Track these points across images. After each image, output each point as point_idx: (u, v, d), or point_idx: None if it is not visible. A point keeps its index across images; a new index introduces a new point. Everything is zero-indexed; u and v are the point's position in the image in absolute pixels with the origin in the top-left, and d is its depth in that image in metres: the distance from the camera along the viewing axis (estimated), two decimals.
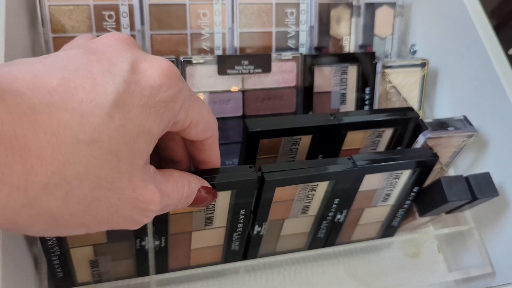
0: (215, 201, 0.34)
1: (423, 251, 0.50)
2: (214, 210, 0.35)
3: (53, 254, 0.34)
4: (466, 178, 0.39)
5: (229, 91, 0.44)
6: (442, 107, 0.51)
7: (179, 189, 0.25)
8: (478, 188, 0.39)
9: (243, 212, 0.36)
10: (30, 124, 0.18)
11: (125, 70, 0.21)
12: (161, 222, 0.34)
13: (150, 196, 0.22)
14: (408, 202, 0.42)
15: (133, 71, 0.21)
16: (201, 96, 0.43)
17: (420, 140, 0.40)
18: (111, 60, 0.21)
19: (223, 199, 0.34)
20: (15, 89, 0.18)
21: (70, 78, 0.19)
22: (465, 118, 0.42)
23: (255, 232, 0.38)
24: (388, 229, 0.45)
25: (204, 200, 0.29)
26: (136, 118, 0.20)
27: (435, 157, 0.38)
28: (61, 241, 0.33)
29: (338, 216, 0.41)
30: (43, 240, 0.33)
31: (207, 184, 0.29)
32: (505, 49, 0.45)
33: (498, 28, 0.50)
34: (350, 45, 0.51)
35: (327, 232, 0.42)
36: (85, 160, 0.19)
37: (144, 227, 0.35)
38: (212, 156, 0.29)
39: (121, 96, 0.20)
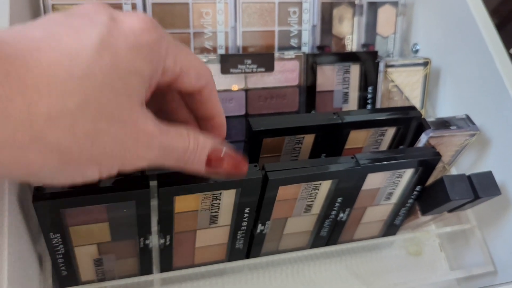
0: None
1: (425, 250, 0.50)
2: (219, 208, 0.35)
3: (58, 252, 0.34)
4: (469, 177, 0.39)
5: (231, 90, 0.44)
6: (444, 106, 0.51)
7: (184, 138, 0.25)
8: (481, 187, 0.39)
9: (248, 211, 0.36)
10: (22, 64, 0.19)
11: (105, 20, 0.22)
12: (166, 220, 0.35)
13: (151, 128, 0.23)
14: (410, 200, 0.42)
15: (113, 21, 0.22)
16: None
17: (423, 139, 0.40)
18: (90, 17, 0.22)
19: (228, 197, 0.34)
20: (0, 38, 0.19)
21: (53, 30, 0.20)
22: (467, 117, 0.43)
23: (258, 230, 0.39)
24: (391, 228, 0.45)
25: (235, 167, 0.27)
26: (125, 58, 0.22)
27: (437, 156, 0.38)
28: (66, 240, 0.33)
29: (341, 214, 0.41)
30: (47, 238, 0.33)
31: (228, 149, 0.27)
32: (507, 48, 0.45)
33: (500, 27, 0.50)
34: (352, 44, 0.51)
35: (330, 231, 0.42)
36: (82, 92, 0.20)
37: (148, 226, 0.35)
38: (215, 109, 0.29)
39: (106, 39, 0.21)
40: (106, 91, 0.21)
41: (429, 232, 0.47)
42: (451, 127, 0.41)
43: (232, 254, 0.40)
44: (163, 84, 0.25)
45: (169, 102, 0.29)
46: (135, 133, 0.22)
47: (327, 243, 0.44)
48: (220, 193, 0.34)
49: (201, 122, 0.30)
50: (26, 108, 0.18)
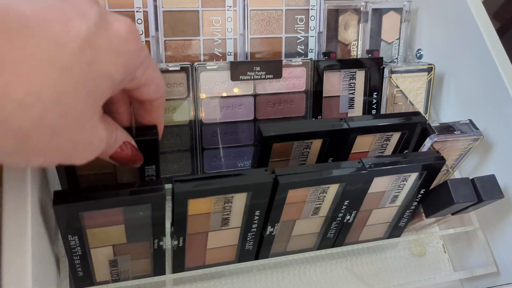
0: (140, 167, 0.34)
1: (429, 251, 0.51)
2: (230, 211, 0.36)
3: (75, 254, 0.35)
4: (472, 180, 0.41)
5: (241, 96, 0.45)
6: (447, 111, 0.52)
7: (112, 131, 0.27)
8: (484, 190, 0.40)
9: (258, 213, 0.37)
10: (6, 41, 0.18)
11: (96, 17, 0.22)
12: (180, 223, 0.36)
13: (103, 134, 0.25)
14: (415, 203, 0.43)
15: (103, 20, 0.23)
16: (204, 99, 0.45)
17: (427, 143, 0.42)
18: (82, 8, 0.22)
19: (240, 200, 0.36)
20: None
21: (45, 11, 0.20)
22: (471, 122, 0.44)
23: (267, 232, 0.40)
24: (395, 230, 0.47)
25: (128, 158, 0.30)
26: (104, 60, 0.22)
27: (442, 161, 0.39)
28: (83, 242, 0.35)
29: (347, 217, 0.42)
30: (66, 240, 0.34)
31: (133, 142, 0.31)
32: (509, 53, 0.46)
33: (501, 32, 0.52)
34: (357, 50, 0.52)
35: (337, 233, 0.43)
36: (59, 85, 0.20)
37: (162, 228, 0.36)
38: (159, 118, 0.32)
39: (92, 36, 0.22)
40: (79, 89, 0.21)
41: (432, 234, 0.49)
42: (455, 132, 0.42)
43: (242, 255, 0.42)
44: (125, 89, 0.27)
45: (114, 111, 0.31)
46: (90, 139, 0.24)
47: (333, 245, 0.45)
48: (232, 196, 0.35)
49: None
50: (1, 89, 0.18)
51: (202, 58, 0.47)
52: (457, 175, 0.49)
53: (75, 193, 0.31)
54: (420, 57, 0.55)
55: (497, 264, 0.46)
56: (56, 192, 0.31)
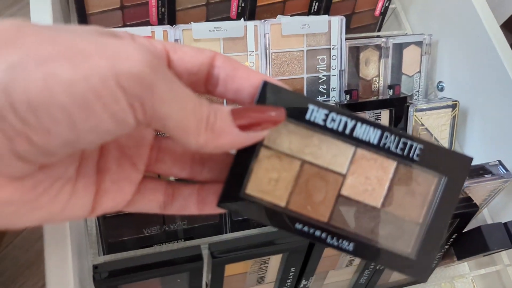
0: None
1: (458, 286, 0.51)
2: (266, 270, 0.36)
3: None
4: (505, 225, 0.40)
5: None
6: (472, 146, 0.52)
7: (191, 97, 0.18)
8: None
9: (293, 270, 0.37)
10: None
11: None
12: (216, 284, 0.36)
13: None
14: (446, 247, 0.43)
15: None
16: None
17: None
18: None
19: (276, 260, 0.35)
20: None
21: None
22: (500, 163, 0.43)
23: (301, 285, 0.40)
24: None
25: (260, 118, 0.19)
26: None
27: (474, 208, 0.39)
28: None
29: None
30: None
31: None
32: None
33: None
34: (379, 85, 0.52)
35: (369, 278, 0.43)
36: None
37: None
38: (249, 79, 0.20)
39: None
40: None
41: (463, 276, 0.48)
42: (485, 176, 0.42)
43: None
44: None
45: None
46: None
47: None
48: (269, 258, 0.35)
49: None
50: None
51: (225, 102, 0.47)
52: (485, 213, 0.49)
53: (114, 266, 0.31)
54: (441, 89, 0.54)
55: None
56: (95, 266, 0.31)
